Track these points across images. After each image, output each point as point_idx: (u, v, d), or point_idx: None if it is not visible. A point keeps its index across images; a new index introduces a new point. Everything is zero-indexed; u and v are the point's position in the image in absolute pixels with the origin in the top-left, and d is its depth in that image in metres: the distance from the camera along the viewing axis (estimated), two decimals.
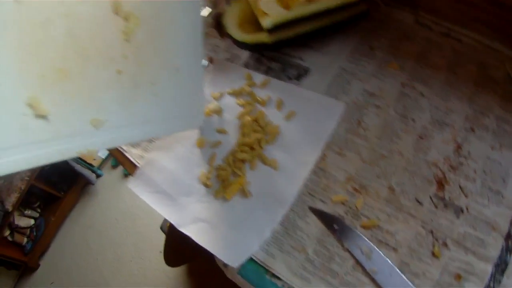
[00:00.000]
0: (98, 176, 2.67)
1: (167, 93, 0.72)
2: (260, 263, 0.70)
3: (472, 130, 0.78)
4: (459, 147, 0.76)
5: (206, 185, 0.80)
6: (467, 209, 0.69)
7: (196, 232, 0.74)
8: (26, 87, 0.51)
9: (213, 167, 0.82)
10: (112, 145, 0.67)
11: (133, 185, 0.85)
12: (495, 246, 0.65)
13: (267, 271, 0.69)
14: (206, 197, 0.79)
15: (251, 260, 0.70)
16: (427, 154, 0.76)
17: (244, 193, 0.76)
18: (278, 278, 0.68)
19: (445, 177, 0.73)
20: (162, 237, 1.49)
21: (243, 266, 0.70)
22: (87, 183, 2.64)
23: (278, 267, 0.69)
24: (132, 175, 0.88)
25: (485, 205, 0.69)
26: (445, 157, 0.75)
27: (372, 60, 0.90)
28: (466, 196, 0.70)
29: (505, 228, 0.67)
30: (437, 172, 0.73)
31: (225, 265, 0.71)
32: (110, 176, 2.69)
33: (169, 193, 0.82)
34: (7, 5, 0.46)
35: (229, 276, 0.73)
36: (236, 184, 0.77)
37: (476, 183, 0.72)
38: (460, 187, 0.71)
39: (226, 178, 0.79)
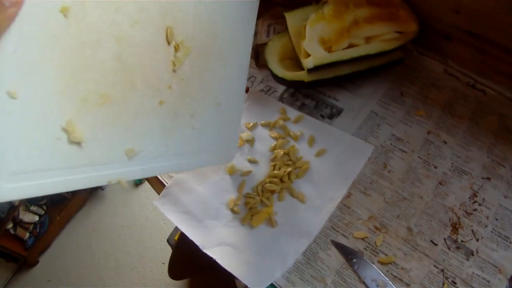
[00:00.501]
0: None
1: (205, 126, 0.72)
2: None
3: (488, 179, 0.84)
4: (475, 195, 0.82)
5: (233, 211, 0.86)
6: (477, 252, 0.76)
7: (220, 254, 0.80)
8: (65, 110, 0.49)
9: (241, 195, 0.88)
10: (144, 175, 0.66)
11: (160, 203, 0.90)
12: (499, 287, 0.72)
13: None
14: (232, 223, 0.85)
15: (272, 285, 0.76)
16: (445, 199, 0.82)
17: (271, 222, 0.83)
18: None
19: (459, 221, 0.79)
20: (166, 249, 1.52)
21: None
22: (97, 187, 2.61)
23: None
24: (158, 193, 0.93)
25: (494, 249, 0.76)
26: (462, 203, 0.81)
27: (401, 106, 0.96)
28: (477, 240, 0.77)
29: (510, 271, 0.73)
30: (453, 216, 0.80)
31: (246, 287, 0.77)
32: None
33: (195, 214, 0.87)
34: (57, 20, 0.44)
35: None
36: (263, 213, 0.83)
37: (487, 228, 0.78)
38: (473, 232, 0.78)
39: (254, 206, 0.85)
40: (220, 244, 0.82)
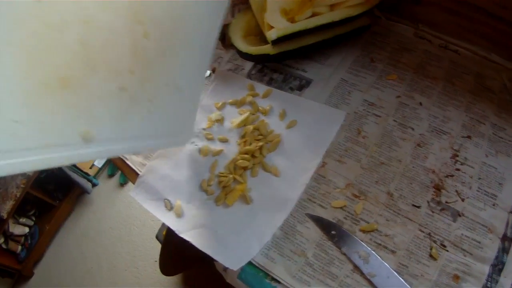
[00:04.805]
0: (94, 185, 2.66)
1: (162, 111, 0.71)
2: (260, 267, 0.72)
3: (469, 137, 0.80)
4: (456, 154, 0.78)
5: (207, 192, 0.82)
6: (463, 212, 0.72)
7: (196, 237, 0.76)
8: (25, 93, 0.47)
9: (214, 174, 0.84)
10: (99, 157, 0.64)
11: (135, 193, 0.87)
12: (491, 247, 0.68)
13: (267, 275, 0.71)
14: (207, 204, 0.81)
15: (251, 264, 0.72)
16: (425, 161, 0.78)
17: (245, 199, 0.79)
18: (278, 282, 0.70)
19: (442, 182, 0.75)
20: (157, 246, 1.49)
21: (243, 270, 0.72)
22: (83, 192, 2.62)
23: (278, 271, 0.71)
24: (133, 183, 0.89)
25: (481, 209, 0.72)
26: (443, 163, 0.78)
27: (372, 72, 0.93)
28: (462, 200, 0.73)
29: (501, 230, 0.69)
30: (434, 178, 0.76)
31: (225, 269, 0.73)
32: (106, 186, 2.68)
33: (169, 200, 0.84)
34: (25, 3, 0.43)
35: (228, 280, 0.75)
36: (237, 190, 0.80)
37: (472, 187, 0.74)
38: (457, 192, 0.74)
39: (227, 184, 0.81)
40: (196, 227, 0.78)
